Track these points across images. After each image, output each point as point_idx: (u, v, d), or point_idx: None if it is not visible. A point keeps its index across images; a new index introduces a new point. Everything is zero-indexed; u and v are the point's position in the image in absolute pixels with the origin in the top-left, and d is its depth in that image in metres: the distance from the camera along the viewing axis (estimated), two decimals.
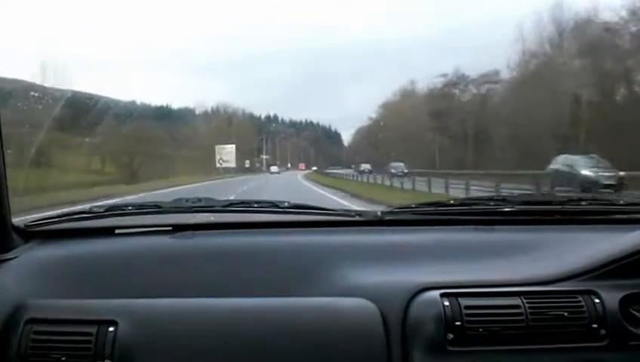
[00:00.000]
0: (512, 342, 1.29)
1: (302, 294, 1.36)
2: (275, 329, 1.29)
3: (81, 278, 1.41)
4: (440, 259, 1.48)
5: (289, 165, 78.16)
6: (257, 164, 68.51)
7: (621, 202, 1.81)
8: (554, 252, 1.49)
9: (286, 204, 1.70)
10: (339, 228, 1.64)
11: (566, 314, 1.31)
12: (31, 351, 1.26)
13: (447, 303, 1.31)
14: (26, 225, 1.56)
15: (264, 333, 1.29)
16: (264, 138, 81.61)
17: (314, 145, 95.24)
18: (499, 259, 1.48)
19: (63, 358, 1.25)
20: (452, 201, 1.80)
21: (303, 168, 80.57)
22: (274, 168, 69.21)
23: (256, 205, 1.69)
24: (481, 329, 1.29)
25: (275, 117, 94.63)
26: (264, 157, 75.72)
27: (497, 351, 1.29)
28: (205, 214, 1.68)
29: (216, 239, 1.59)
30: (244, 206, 1.69)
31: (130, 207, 1.66)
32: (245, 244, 1.55)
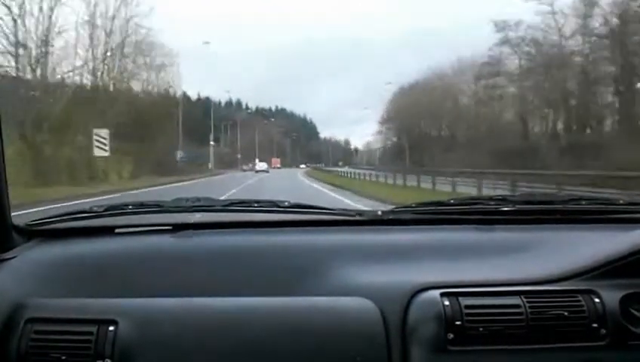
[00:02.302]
0: (512, 342, 1.29)
1: (302, 293, 1.36)
2: (274, 328, 1.29)
3: (81, 277, 1.41)
4: (440, 259, 1.48)
5: (257, 160, 59.78)
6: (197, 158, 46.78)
7: (621, 201, 1.81)
8: (554, 251, 1.49)
9: (286, 203, 1.70)
10: (339, 228, 1.64)
11: (566, 313, 1.31)
12: (31, 351, 1.26)
13: (447, 302, 1.31)
14: (26, 225, 1.56)
15: (264, 333, 1.29)
16: (223, 124, 62.01)
17: (288, 135, 78.10)
18: (499, 259, 1.48)
19: (63, 357, 1.25)
20: (452, 201, 1.80)
21: (279, 165, 63.55)
22: (261, 165, 53.56)
23: (256, 204, 1.70)
24: (481, 329, 1.29)
25: (239, 102, 78.60)
26: (212, 145, 54.64)
27: (498, 350, 1.29)
28: (205, 213, 1.68)
29: (216, 238, 1.59)
30: (245, 205, 1.70)
31: (130, 206, 1.66)
32: (245, 244, 1.55)
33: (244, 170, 54.48)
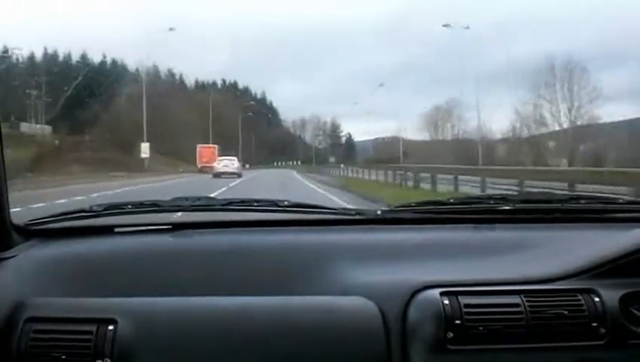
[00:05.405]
0: (511, 341, 1.29)
1: (301, 293, 1.36)
2: (274, 327, 1.29)
3: (81, 277, 1.41)
4: (440, 258, 1.48)
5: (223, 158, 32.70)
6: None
7: (621, 201, 1.81)
8: (554, 250, 1.49)
9: (286, 202, 1.70)
10: (339, 227, 1.64)
11: (566, 312, 1.31)
12: (31, 350, 1.26)
13: (446, 302, 1.31)
14: (25, 224, 1.56)
15: (264, 332, 1.29)
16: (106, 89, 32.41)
17: (242, 112, 49.29)
18: (499, 258, 1.48)
19: (63, 357, 1.25)
20: (452, 200, 1.81)
21: (236, 165, 30.84)
22: (225, 162, 30.22)
23: (255, 204, 1.70)
24: (481, 328, 1.29)
25: (172, 74, 53.31)
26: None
27: (497, 349, 1.29)
28: (205, 213, 1.68)
29: (215, 237, 1.59)
30: (244, 204, 1.70)
31: (129, 206, 1.66)
32: (245, 243, 1.55)
33: None
